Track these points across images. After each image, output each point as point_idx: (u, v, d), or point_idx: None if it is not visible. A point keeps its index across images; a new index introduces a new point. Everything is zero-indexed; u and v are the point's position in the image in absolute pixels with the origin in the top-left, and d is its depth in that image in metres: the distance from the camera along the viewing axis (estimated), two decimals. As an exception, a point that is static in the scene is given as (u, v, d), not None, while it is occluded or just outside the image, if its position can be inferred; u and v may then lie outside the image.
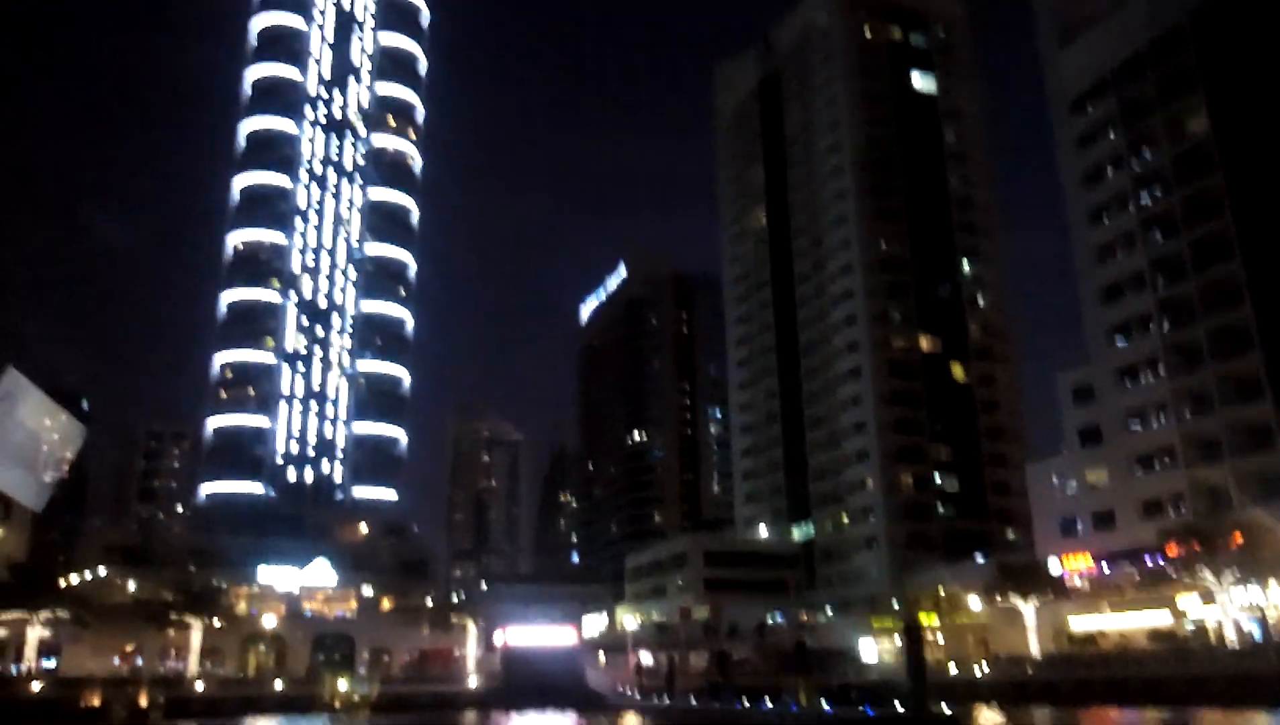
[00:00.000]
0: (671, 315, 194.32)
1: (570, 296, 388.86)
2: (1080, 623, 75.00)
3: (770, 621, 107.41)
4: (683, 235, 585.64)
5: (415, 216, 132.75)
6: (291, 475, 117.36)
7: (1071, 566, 77.23)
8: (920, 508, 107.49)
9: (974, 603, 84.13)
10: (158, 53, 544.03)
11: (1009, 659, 73.27)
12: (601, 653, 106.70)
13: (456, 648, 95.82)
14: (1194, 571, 64.00)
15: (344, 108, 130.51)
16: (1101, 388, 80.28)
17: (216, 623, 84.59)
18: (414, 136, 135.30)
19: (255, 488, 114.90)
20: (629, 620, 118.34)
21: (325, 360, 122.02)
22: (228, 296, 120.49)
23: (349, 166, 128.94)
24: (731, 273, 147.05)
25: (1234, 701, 50.36)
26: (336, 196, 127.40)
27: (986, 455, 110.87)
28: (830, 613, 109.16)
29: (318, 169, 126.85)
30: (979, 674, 71.16)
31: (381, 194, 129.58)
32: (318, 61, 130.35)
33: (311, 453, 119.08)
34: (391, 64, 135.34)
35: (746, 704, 53.65)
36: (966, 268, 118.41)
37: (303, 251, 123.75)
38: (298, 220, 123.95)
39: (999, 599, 76.94)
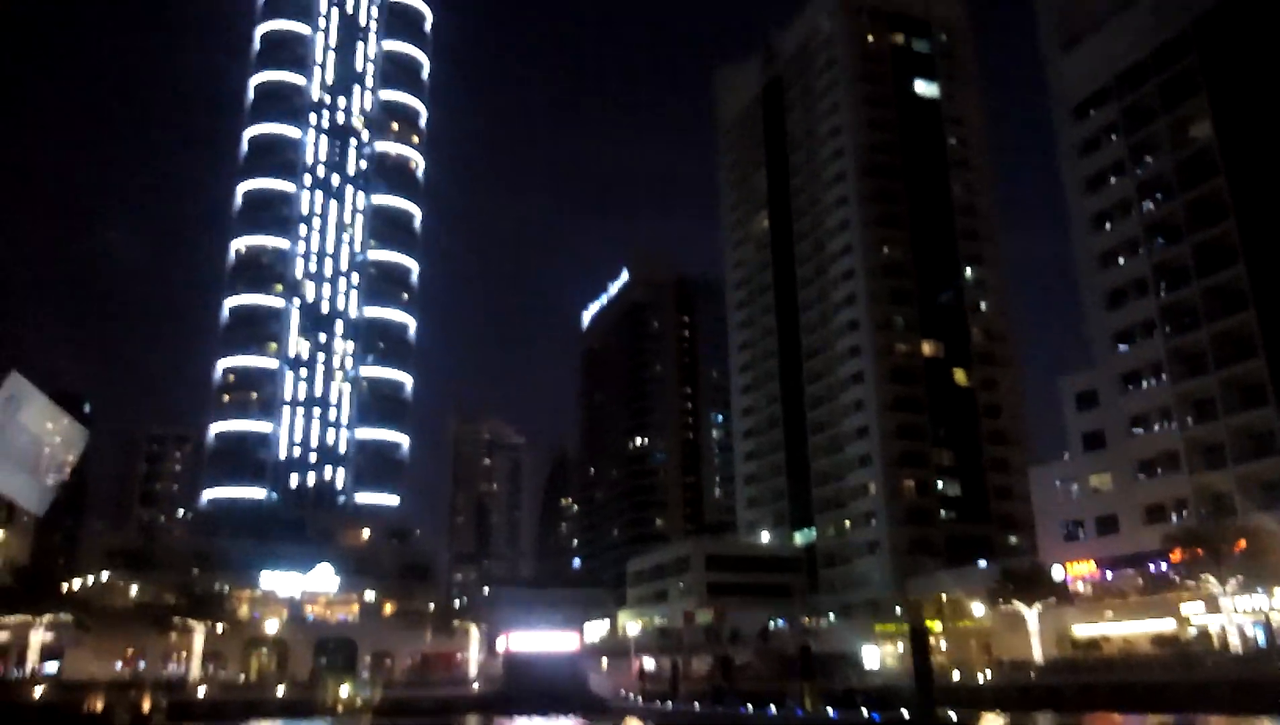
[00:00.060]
0: (673, 319, 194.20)
1: (572, 300, 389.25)
2: (1083, 628, 74.96)
3: (772, 626, 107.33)
4: (684, 238, 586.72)
5: (418, 221, 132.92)
6: (294, 480, 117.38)
7: (1075, 572, 77.23)
8: (922, 512, 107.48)
9: (977, 608, 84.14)
10: (161, 57, 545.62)
11: (1012, 664, 73.23)
12: (604, 657, 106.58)
13: (459, 652, 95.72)
14: (1198, 577, 64.01)
15: (348, 113, 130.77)
16: (1105, 393, 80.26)
17: (219, 627, 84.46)
18: (417, 141, 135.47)
19: (258, 492, 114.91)
20: (631, 625, 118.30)
21: (328, 365, 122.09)
22: (230, 301, 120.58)
23: (352, 172, 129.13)
24: (734, 277, 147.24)
25: (1238, 708, 50.21)
26: (340, 201, 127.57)
27: (988, 460, 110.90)
28: (832, 618, 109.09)
29: (321, 174, 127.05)
30: (982, 679, 71.13)
31: (384, 199, 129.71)
32: (322, 67, 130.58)
33: (314, 457, 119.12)
34: (395, 69, 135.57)
35: (750, 709, 53.63)
36: (969, 273, 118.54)
37: (306, 256, 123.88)
38: (301, 225, 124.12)
39: (1002, 604, 76.82)
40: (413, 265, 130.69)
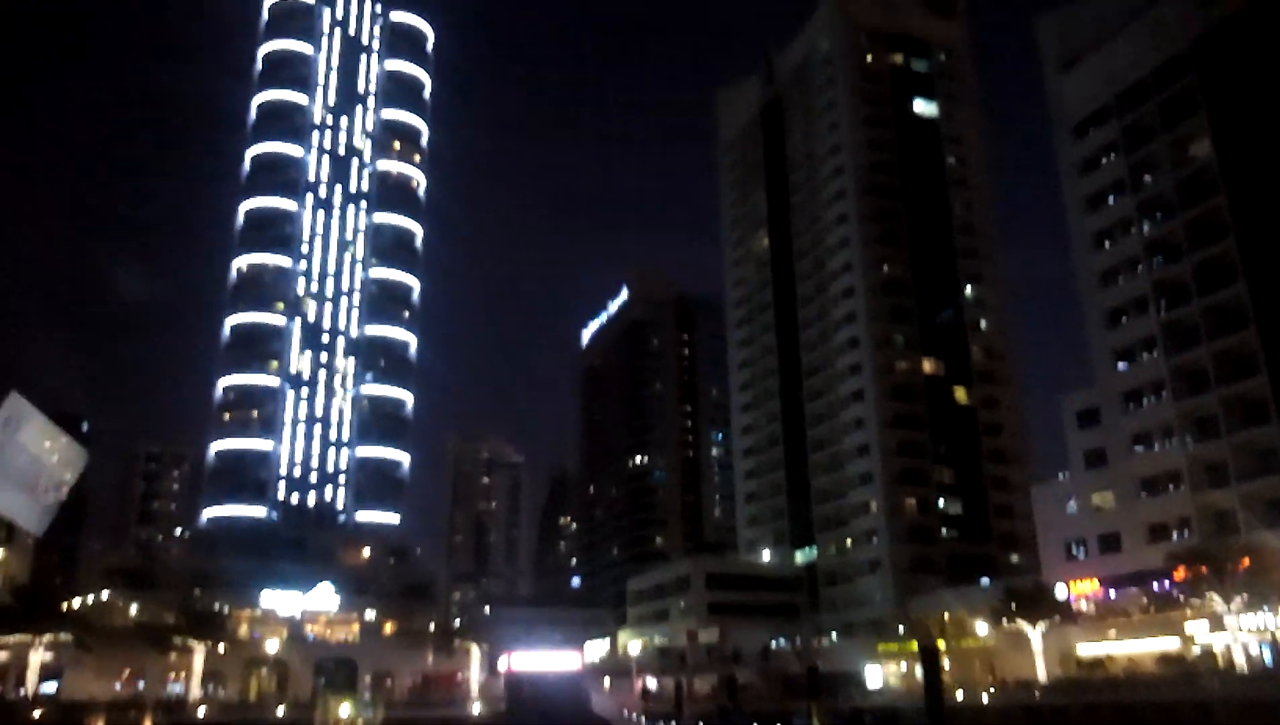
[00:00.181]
0: (673, 337, 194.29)
1: (572, 318, 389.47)
2: (1087, 647, 74.70)
3: (773, 645, 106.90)
4: (684, 256, 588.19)
5: (419, 239, 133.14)
6: (294, 498, 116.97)
7: (1078, 591, 77.03)
8: (924, 531, 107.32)
9: (980, 627, 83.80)
10: (164, 77, 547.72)
11: (1016, 684, 72.92)
12: (607, 677, 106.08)
13: (460, 672, 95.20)
14: (1202, 596, 63.86)
15: (350, 132, 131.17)
16: (1106, 411, 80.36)
17: (219, 647, 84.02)
18: (418, 160, 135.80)
19: (258, 511, 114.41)
20: (631, 644, 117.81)
21: (329, 383, 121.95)
22: (232, 319, 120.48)
23: (354, 190, 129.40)
24: (734, 295, 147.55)
25: (1245, 727, 50.12)
26: (341, 220, 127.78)
27: (989, 478, 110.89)
28: (834, 637, 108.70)
29: (323, 192, 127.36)
30: (986, 699, 70.78)
31: (386, 217, 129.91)
32: (324, 87, 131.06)
33: (314, 476, 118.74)
34: (397, 89, 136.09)
35: (756, 729, 53.38)
36: (969, 291, 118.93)
37: (307, 275, 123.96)
38: (302, 244, 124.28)
39: (1005, 623, 76.61)
40: (414, 283, 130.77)
